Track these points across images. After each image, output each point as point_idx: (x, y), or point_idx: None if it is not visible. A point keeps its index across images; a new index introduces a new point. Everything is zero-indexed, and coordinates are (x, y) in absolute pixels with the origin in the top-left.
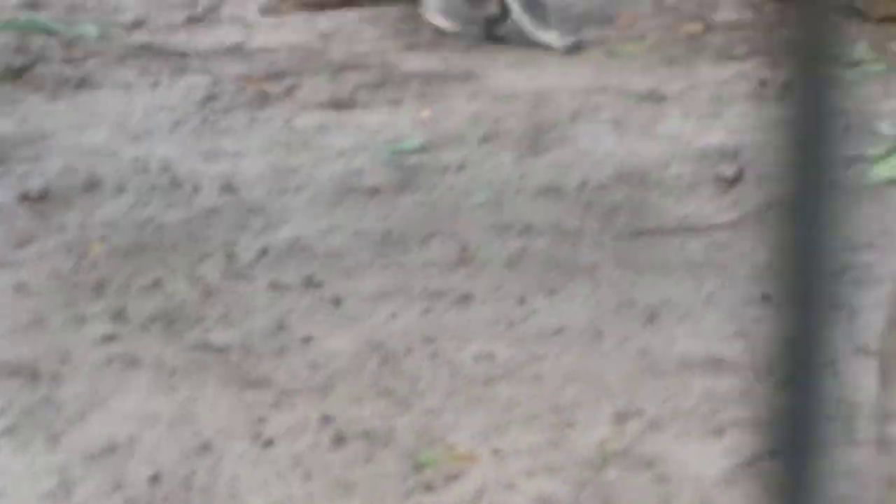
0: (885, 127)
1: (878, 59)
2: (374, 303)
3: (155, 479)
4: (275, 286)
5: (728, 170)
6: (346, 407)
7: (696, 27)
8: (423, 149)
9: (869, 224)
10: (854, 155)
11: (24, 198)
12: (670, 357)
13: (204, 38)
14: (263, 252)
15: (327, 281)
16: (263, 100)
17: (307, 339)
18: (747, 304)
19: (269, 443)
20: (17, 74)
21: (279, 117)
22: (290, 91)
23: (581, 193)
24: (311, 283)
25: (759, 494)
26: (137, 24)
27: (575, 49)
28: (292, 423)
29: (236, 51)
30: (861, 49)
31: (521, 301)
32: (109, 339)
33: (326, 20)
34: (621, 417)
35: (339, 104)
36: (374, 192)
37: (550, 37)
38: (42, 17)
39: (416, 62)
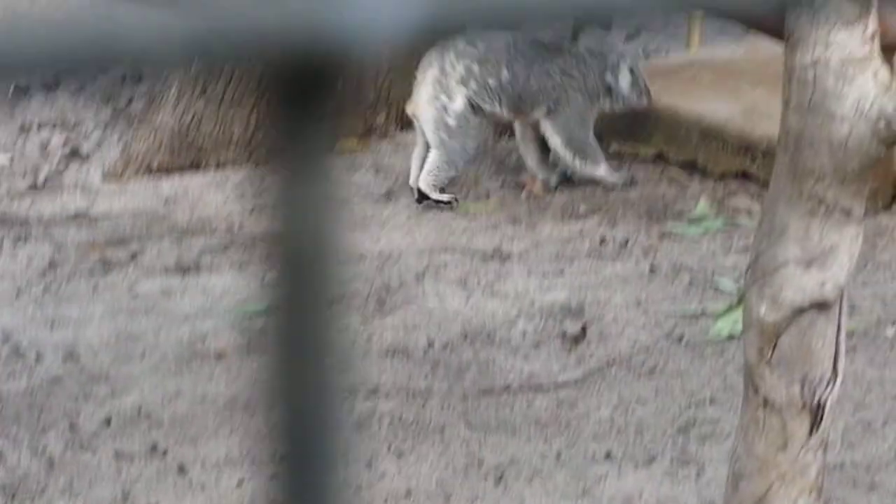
0: (725, 282)
1: (719, 215)
2: (221, 470)
3: None
4: (119, 455)
5: (572, 327)
6: None
7: (538, 185)
8: (268, 312)
9: (712, 379)
10: (696, 310)
11: None
12: None
13: (47, 205)
14: (107, 420)
15: (172, 448)
16: (107, 266)
17: None
18: (593, 463)
19: None
20: None
21: (123, 283)
22: (133, 257)
23: (428, 353)
24: (155, 451)
25: None
26: None
27: (631, 183)
28: None
29: (79, 217)
30: (702, 205)
31: (369, 464)
32: None
33: (170, 184)
34: None
35: (184, 268)
36: (221, 356)
37: (602, 171)
38: None
39: (261, 224)
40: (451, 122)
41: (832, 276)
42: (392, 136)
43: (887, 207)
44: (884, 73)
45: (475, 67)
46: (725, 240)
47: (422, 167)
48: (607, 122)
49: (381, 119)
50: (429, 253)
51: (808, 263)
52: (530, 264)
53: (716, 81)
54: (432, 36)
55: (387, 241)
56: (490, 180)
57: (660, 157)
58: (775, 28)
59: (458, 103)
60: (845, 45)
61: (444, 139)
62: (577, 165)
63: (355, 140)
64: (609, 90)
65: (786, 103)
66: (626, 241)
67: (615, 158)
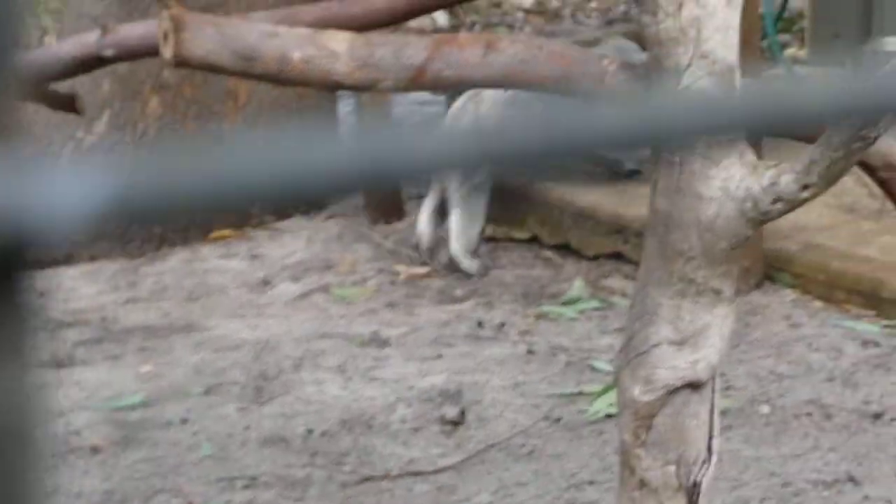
0: (601, 363)
1: (594, 297)
2: None
3: None
4: None
5: (451, 411)
6: None
7: (416, 270)
8: (144, 404)
9: (591, 461)
10: (574, 391)
11: None
12: None
13: None
14: None
15: None
16: None
17: None
18: None
19: None
20: None
21: None
22: None
23: (307, 442)
24: None
25: None
26: None
27: (483, 272)
28: None
29: None
30: (577, 287)
31: None
32: None
33: (43, 278)
34: None
35: (57, 363)
36: (95, 450)
37: (469, 265)
38: None
39: (136, 316)
40: (478, 178)
41: (704, 356)
42: (268, 224)
43: (759, 286)
44: (749, 154)
45: (510, 111)
46: (601, 320)
47: (435, 228)
48: None
49: (256, 208)
50: (306, 340)
51: (681, 344)
52: (408, 349)
53: None
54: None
55: (264, 329)
56: (366, 266)
57: (534, 240)
58: None
59: None
60: None
61: (466, 196)
62: None
63: (229, 229)
64: None
65: (654, 186)
66: (503, 324)
67: (490, 242)
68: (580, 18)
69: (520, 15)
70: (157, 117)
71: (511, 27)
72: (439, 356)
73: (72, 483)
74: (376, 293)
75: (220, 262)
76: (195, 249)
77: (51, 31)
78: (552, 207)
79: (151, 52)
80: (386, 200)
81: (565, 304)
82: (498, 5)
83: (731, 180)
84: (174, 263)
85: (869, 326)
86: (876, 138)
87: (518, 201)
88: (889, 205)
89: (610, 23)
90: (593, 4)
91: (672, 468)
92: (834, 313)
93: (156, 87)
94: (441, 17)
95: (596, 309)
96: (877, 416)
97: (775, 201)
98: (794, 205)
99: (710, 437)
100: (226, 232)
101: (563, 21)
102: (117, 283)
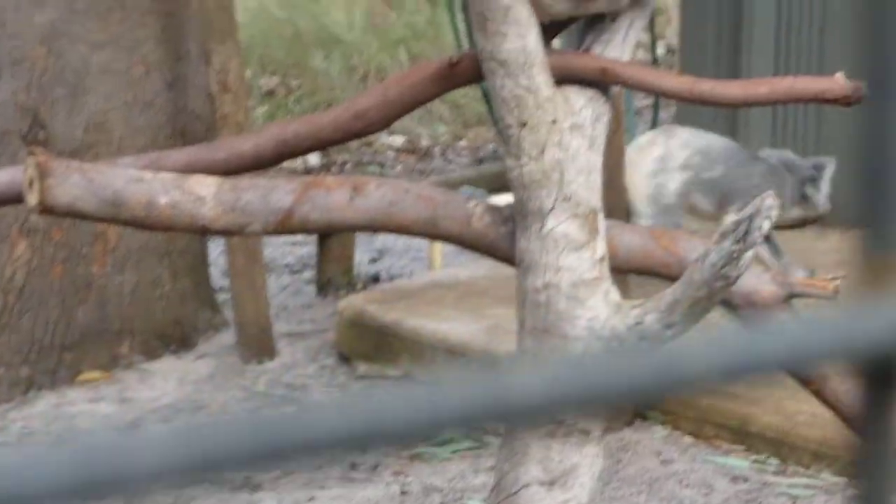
0: (475, 503)
1: (467, 436)
2: None
3: None
4: None
5: None
6: None
7: None
8: None
9: None
10: None
11: None
12: None
13: None
14: None
15: None
16: None
17: None
18: None
19: None
20: None
21: None
22: None
23: None
24: None
25: None
26: None
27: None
28: None
29: None
30: None
31: None
32: None
33: None
34: None
35: None
36: None
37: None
38: None
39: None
40: (666, 200)
41: (574, 496)
42: (137, 365)
43: (630, 423)
44: (614, 293)
45: (696, 158)
46: (474, 459)
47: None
48: (355, 345)
49: (125, 349)
50: (176, 486)
51: (551, 484)
52: (280, 492)
53: (459, 301)
54: None
55: None
56: (238, 407)
57: (406, 378)
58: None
59: (675, 186)
60: (575, 268)
61: (654, 214)
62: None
63: (98, 371)
64: (805, 199)
65: (521, 325)
66: (377, 465)
67: (363, 379)
68: (450, 157)
69: (391, 153)
70: (24, 262)
71: (382, 165)
72: (312, 499)
73: None
74: None
75: (88, 405)
76: (63, 393)
77: None
78: (424, 344)
79: (18, 199)
80: (257, 339)
81: (439, 444)
82: (369, 144)
83: (596, 320)
84: (42, 408)
85: (738, 462)
86: (737, 277)
87: (391, 338)
88: None
89: (480, 161)
90: (463, 143)
91: None
92: (704, 449)
93: (23, 231)
94: (313, 157)
95: (469, 448)
96: None
97: (640, 340)
98: (659, 343)
99: None
100: (95, 374)
101: (434, 159)
102: None
